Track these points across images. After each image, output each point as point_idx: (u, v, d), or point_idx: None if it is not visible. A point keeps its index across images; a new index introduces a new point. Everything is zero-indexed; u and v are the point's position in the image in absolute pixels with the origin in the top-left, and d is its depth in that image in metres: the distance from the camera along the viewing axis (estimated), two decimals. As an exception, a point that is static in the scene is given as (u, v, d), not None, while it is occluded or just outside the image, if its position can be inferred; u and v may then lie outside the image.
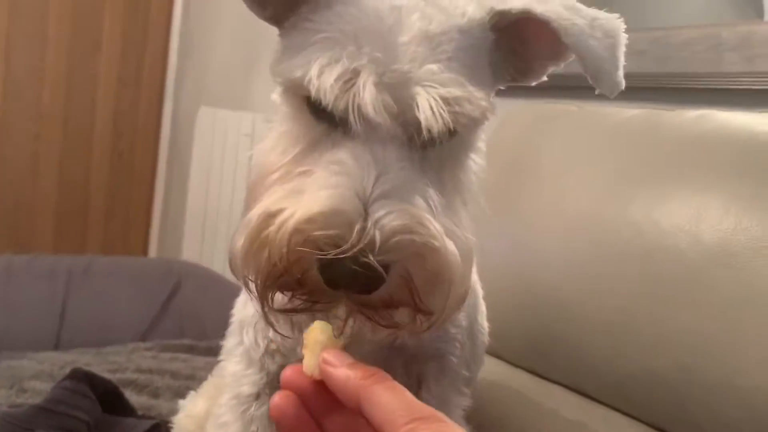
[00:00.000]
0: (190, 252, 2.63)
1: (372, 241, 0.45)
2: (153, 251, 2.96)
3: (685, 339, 0.78)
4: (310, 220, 0.46)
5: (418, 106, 0.48)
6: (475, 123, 0.53)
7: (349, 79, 0.48)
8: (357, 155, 0.48)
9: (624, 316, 0.85)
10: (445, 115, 0.48)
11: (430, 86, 0.49)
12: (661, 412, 0.82)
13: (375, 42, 0.49)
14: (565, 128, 1.08)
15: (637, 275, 0.84)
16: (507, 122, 1.16)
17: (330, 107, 0.49)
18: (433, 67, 0.50)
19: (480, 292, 0.76)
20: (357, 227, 0.45)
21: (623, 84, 0.56)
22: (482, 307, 0.77)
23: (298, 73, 0.50)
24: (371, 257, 0.44)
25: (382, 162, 0.48)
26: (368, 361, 0.54)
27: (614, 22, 0.56)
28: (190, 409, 0.91)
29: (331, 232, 0.45)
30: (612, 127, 1.01)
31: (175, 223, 2.84)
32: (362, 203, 0.46)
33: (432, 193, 0.50)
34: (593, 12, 0.56)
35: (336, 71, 0.48)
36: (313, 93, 0.49)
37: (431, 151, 0.52)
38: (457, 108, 0.49)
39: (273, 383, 0.67)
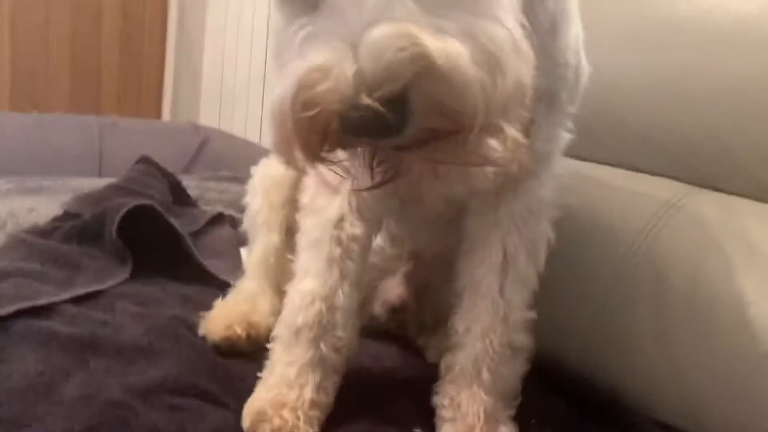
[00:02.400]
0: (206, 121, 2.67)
1: (363, 80, 0.42)
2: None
3: (737, 94, 0.84)
4: (308, 80, 0.44)
5: None
6: None
7: None
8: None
9: (672, 82, 0.90)
10: None
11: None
12: (710, 166, 0.88)
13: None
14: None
15: (686, 40, 0.89)
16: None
17: None
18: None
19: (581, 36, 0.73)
20: (347, 70, 0.42)
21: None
22: (583, 55, 0.74)
23: None
24: (368, 99, 0.41)
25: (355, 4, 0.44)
26: None
27: None
28: (265, 171, 0.97)
29: (325, 86, 0.43)
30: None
31: (190, 93, 2.85)
32: (350, 42, 0.43)
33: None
34: None
35: None
36: None
37: None
38: None
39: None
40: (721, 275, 0.79)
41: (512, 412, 0.74)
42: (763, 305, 0.75)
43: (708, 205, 0.87)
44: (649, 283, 0.85)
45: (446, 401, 0.74)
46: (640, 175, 0.96)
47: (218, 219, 1.17)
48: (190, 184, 1.48)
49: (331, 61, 0.43)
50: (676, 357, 0.80)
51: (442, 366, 0.76)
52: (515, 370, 0.74)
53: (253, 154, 1.06)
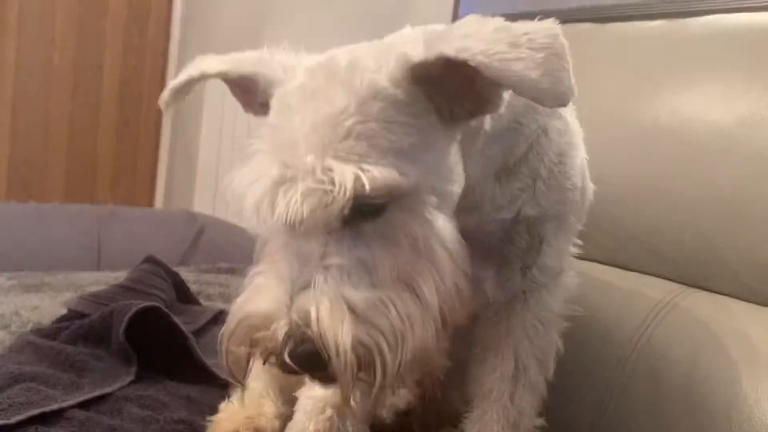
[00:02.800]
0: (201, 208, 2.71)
1: (288, 343, 0.53)
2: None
3: (722, 201, 0.89)
4: (251, 325, 0.55)
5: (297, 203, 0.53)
6: (395, 191, 0.53)
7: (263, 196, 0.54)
8: (287, 253, 0.55)
9: (660, 186, 0.95)
10: (309, 206, 0.52)
11: (302, 181, 0.52)
12: (699, 268, 0.92)
13: (287, 140, 0.55)
14: (587, 46, 1.18)
15: (670, 147, 0.95)
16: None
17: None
18: (309, 158, 0.53)
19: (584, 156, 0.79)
20: (282, 326, 0.53)
21: (571, 92, 0.52)
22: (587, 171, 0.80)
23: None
24: (288, 359, 0.53)
25: (305, 256, 0.54)
26: (491, 231, 0.67)
27: (547, 31, 0.53)
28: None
29: (262, 334, 0.54)
30: (631, 39, 1.12)
31: (184, 179, 2.90)
32: (287, 303, 0.53)
33: (359, 270, 0.53)
34: (523, 27, 0.53)
35: (253, 194, 0.54)
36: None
37: (367, 224, 0.54)
38: (340, 192, 0.51)
39: None
40: (716, 371, 0.82)
41: None
42: (763, 403, 0.78)
43: (701, 304, 0.90)
44: (646, 382, 0.87)
45: None
46: (634, 274, 1.00)
47: (219, 316, 1.19)
48: (189, 278, 1.49)
49: (268, 316, 0.54)
50: (676, 457, 0.81)
51: None
52: None
53: (249, 242, 1.08)
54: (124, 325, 0.99)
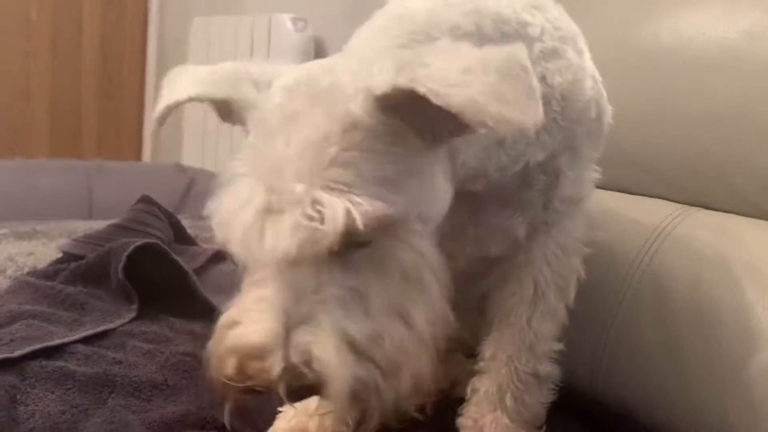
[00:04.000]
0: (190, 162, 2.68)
1: (286, 376, 0.52)
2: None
3: (726, 116, 0.88)
4: (243, 350, 0.54)
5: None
6: (384, 222, 0.52)
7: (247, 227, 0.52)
8: (277, 282, 0.53)
9: (662, 108, 0.94)
10: (299, 241, 0.50)
11: (290, 213, 0.50)
12: (702, 187, 0.92)
13: (270, 165, 0.52)
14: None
15: (672, 67, 0.93)
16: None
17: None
18: (298, 188, 0.50)
19: (599, 80, 0.77)
20: (278, 361, 0.51)
21: (531, 117, 0.49)
22: (605, 93, 0.78)
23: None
24: (284, 390, 0.52)
25: (298, 287, 0.52)
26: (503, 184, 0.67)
27: (507, 53, 0.51)
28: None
29: (258, 365, 0.53)
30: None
31: (172, 133, 2.86)
32: (282, 336, 0.52)
33: (354, 299, 0.52)
34: (483, 52, 0.51)
35: (239, 223, 0.52)
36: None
37: (356, 253, 0.53)
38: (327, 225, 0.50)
39: None
40: (721, 288, 0.82)
41: (534, 440, 0.76)
42: (762, 314, 0.78)
43: (703, 222, 0.90)
44: (651, 299, 0.87)
45: (470, 423, 0.75)
46: (636, 197, 1.00)
47: (219, 256, 1.18)
48: (185, 224, 1.48)
49: (263, 349, 0.52)
50: (683, 368, 0.82)
51: (469, 389, 0.77)
52: (540, 398, 0.77)
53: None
54: (122, 262, 0.97)
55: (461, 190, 0.64)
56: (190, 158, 2.69)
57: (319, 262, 0.52)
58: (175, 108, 0.62)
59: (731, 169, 0.89)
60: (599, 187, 1.03)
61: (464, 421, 0.76)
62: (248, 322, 0.54)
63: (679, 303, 0.85)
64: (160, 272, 1.03)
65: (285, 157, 0.52)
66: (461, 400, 0.79)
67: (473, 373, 0.79)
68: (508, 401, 0.75)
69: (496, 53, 0.51)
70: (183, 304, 1.03)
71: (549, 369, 0.77)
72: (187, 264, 1.10)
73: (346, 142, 0.52)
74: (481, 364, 0.77)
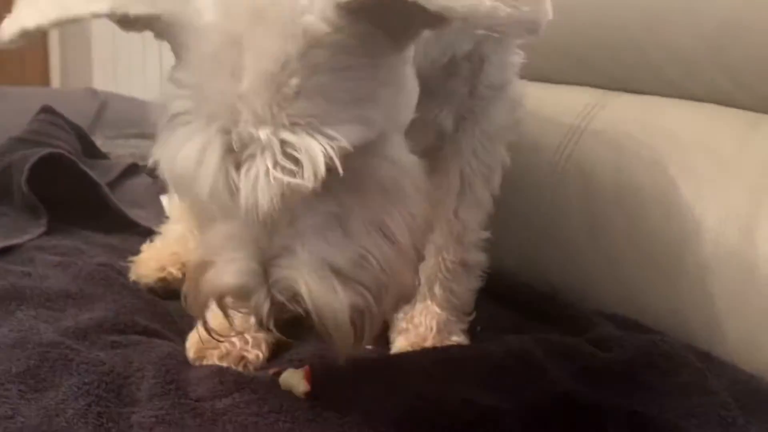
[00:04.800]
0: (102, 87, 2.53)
1: (272, 312, 0.49)
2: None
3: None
4: (223, 294, 0.52)
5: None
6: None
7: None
8: (245, 221, 0.48)
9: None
10: (277, 193, 0.45)
11: (261, 163, 0.45)
12: (625, 70, 0.92)
13: (220, 103, 0.45)
14: None
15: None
16: None
17: None
18: (263, 133, 0.44)
19: None
20: (263, 300, 0.49)
21: (546, 13, 0.43)
22: None
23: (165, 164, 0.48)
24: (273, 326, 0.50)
25: (265, 223, 0.47)
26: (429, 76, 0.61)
27: None
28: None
29: (240, 306, 0.52)
30: None
31: (80, 59, 2.69)
32: (261, 274, 0.49)
33: (332, 224, 0.49)
34: None
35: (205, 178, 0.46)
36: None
37: (331, 178, 0.46)
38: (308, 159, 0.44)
39: None
40: (642, 168, 0.83)
41: (465, 326, 0.76)
42: (683, 191, 0.80)
43: (625, 106, 0.90)
44: (577, 183, 0.88)
45: (401, 314, 0.75)
46: (559, 86, 0.99)
47: (133, 169, 1.12)
48: (97, 142, 1.40)
49: (243, 290, 0.50)
50: (608, 249, 0.84)
51: None
52: (468, 286, 0.77)
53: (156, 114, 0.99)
54: (25, 174, 0.91)
55: None
56: (102, 83, 2.55)
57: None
58: (66, 23, 0.49)
59: (653, 50, 0.88)
60: (522, 77, 1.03)
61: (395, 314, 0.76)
62: (222, 262, 0.50)
63: (604, 186, 0.86)
64: (70, 185, 0.97)
65: (238, 94, 0.45)
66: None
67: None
68: (437, 290, 0.75)
69: None
70: (97, 218, 0.98)
71: (476, 257, 0.77)
72: (99, 178, 1.04)
73: (309, 67, 0.45)
74: None
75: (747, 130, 0.80)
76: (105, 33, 2.47)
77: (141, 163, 1.11)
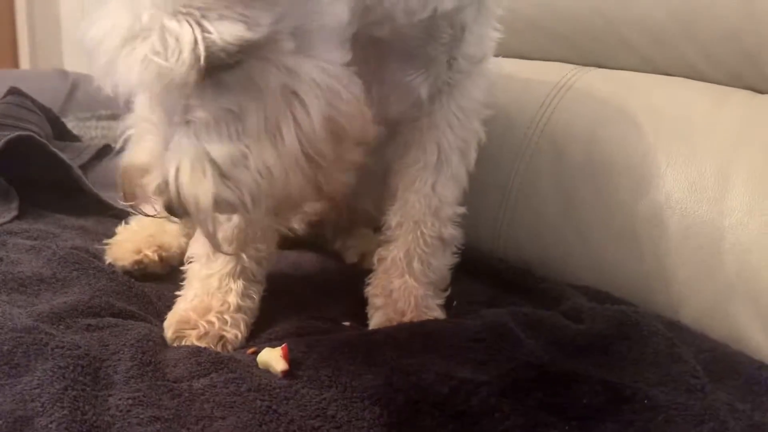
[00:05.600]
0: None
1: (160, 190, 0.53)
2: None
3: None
4: (132, 175, 0.56)
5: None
6: (246, 46, 0.49)
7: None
8: (154, 104, 0.53)
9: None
10: (149, 75, 0.48)
11: (140, 46, 0.49)
12: (597, 45, 0.92)
13: None
14: None
15: None
16: None
17: None
18: (145, 17, 0.48)
19: None
20: (154, 178, 0.53)
21: None
22: None
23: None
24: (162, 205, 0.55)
25: (169, 110, 0.52)
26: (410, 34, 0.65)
27: None
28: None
29: (142, 180, 0.55)
30: None
31: (49, 40, 2.63)
32: (161, 154, 0.53)
33: (227, 119, 0.52)
34: None
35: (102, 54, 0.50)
36: None
37: (227, 75, 0.51)
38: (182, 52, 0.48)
39: None
40: (614, 141, 0.84)
41: (442, 301, 0.77)
42: (654, 164, 0.81)
43: (597, 80, 0.91)
44: (549, 158, 0.89)
45: (378, 290, 0.75)
46: (531, 61, 0.99)
47: (106, 150, 1.11)
48: (68, 124, 1.38)
49: (143, 167, 0.54)
50: (579, 222, 0.85)
51: (376, 258, 0.77)
52: (445, 261, 0.77)
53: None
54: (-6, 158, 0.89)
55: (367, 35, 0.61)
56: (73, 65, 2.50)
57: (190, 84, 0.49)
58: None
59: (626, 26, 0.89)
60: (498, 54, 1.03)
61: (373, 290, 0.77)
62: (138, 140, 0.55)
63: (576, 159, 0.86)
64: (41, 168, 0.95)
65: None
66: (369, 272, 0.79)
67: (380, 245, 0.78)
68: (416, 264, 0.76)
69: None
70: (70, 200, 0.97)
71: (453, 232, 0.77)
72: (71, 160, 1.02)
73: None
74: (388, 233, 0.77)
75: (716, 103, 0.81)
76: (74, 12, 2.42)
77: (113, 145, 1.10)
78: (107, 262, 0.82)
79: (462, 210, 0.77)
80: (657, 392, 0.60)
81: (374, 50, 0.67)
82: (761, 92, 0.81)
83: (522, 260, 0.89)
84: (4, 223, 0.88)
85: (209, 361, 0.60)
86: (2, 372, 0.55)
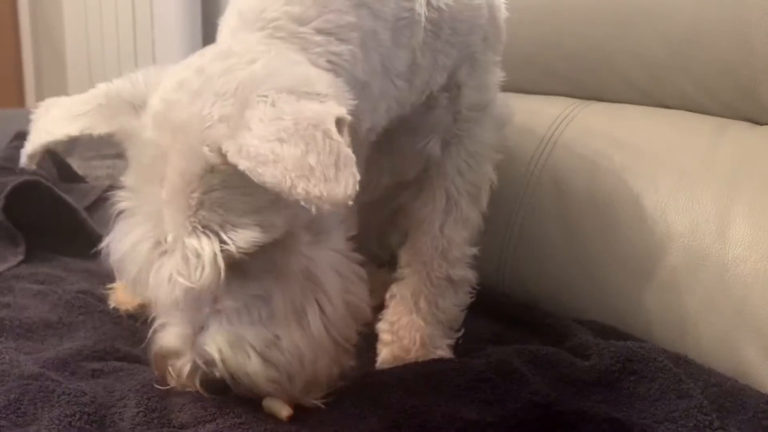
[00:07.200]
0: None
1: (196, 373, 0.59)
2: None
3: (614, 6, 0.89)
4: (164, 356, 0.60)
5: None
6: (266, 244, 0.54)
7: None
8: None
9: (554, 3, 0.94)
10: (180, 288, 0.54)
11: (168, 263, 0.54)
12: (595, 79, 0.94)
13: (152, 205, 0.55)
14: None
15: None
16: None
17: None
18: (170, 237, 0.54)
19: None
20: (186, 362, 0.58)
21: (346, 190, 0.47)
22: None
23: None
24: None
25: (197, 303, 0.57)
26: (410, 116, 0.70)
27: (315, 114, 0.50)
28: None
29: (174, 363, 0.59)
30: None
31: (55, 79, 2.67)
32: (191, 339, 0.58)
33: (257, 304, 0.57)
34: (296, 114, 0.50)
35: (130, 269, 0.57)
36: None
37: (255, 263, 0.56)
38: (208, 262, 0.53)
39: None
40: (615, 176, 0.85)
41: (452, 341, 0.77)
42: (655, 196, 0.81)
43: (597, 114, 0.92)
44: (551, 192, 0.89)
45: (386, 326, 0.76)
46: (531, 96, 1.00)
47: (111, 191, 1.11)
48: (73, 164, 1.40)
49: (181, 350, 0.59)
50: (583, 255, 0.85)
51: (387, 296, 0.78)
52: (455, 301, 0.78)
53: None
54: (1, 203, 0.90)
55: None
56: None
57: (215, 286, 0.54)
58: (51, 146, 0.62)
59: (623, 60, 0.90)
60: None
61: (382, 325, 0.77)
62: (169, 325, 0.60)
63: (578, 193, 0.87)
64: (47, 211, 0.96)
65: (161, 200, 0.54)
66: (380, 308, 0.79)
67: (387, 281, 0.79)
68: (422, 304, 0.76)
69: (306, 115, 0.49)
70: (75, 243, 0.98)
71: (462, 273, 0.78)
72: (77, 202, 1.03)
73: (207, 186, 0.53)
74: (399, 271, 0.79)
75: (715, 135, 0.82)
76: (80, 53, 2.46)
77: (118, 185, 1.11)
78: (111, 306, 0.83)
79: (474, 251, 0.78)
80: (665, 429, 0.59)
81: (383, 136, 0.70)
82: (759, 123, 0.82)
83: (526, 295, 0.89)
84: (12, 267, 0.89)
85: (215, 406, 0.60)
86: (9, 421, 0.55)
